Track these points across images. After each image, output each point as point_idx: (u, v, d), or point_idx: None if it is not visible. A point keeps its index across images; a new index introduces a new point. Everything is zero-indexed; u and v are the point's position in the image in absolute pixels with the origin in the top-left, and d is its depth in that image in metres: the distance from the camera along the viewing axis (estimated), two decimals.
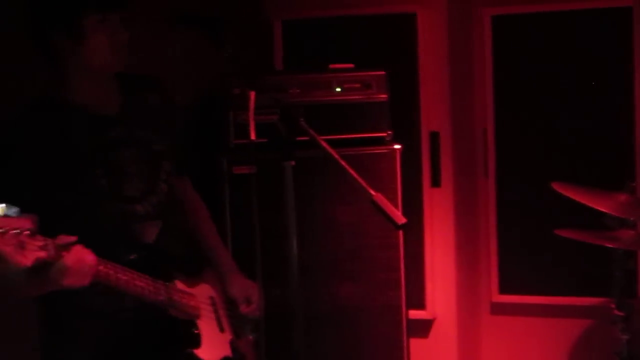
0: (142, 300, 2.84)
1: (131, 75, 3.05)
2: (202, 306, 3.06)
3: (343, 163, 2.66)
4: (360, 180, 2.65)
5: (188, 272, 3.08)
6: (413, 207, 4.81)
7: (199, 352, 2.97)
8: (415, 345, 4.72)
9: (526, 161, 5.09)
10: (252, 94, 2.69)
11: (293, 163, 2.69)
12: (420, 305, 4.95)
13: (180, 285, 2.99)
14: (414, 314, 4.75)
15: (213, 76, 4.48)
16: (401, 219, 2.65)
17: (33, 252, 2.39)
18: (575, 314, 5.07)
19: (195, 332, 2.99)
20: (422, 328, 5.02)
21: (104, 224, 2.90)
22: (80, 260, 2.57)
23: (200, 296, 3.08)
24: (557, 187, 4.12)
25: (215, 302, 3.16)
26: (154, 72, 3.12)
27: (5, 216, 2.34)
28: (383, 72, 4.49)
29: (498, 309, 5.24)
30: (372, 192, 2.64)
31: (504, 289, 5.18)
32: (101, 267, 2.65)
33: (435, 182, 4.96)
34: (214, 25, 2.77)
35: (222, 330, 3.13)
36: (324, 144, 2.69)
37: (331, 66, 4.53)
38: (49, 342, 2.99)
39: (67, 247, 2.54)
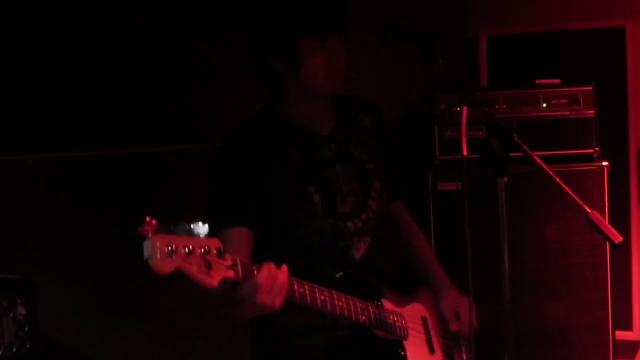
0: (344, 321, 2.77)
1: (344, 96, 3.08)
2: (410, 326, 2.99)
3: (558, 180, 2.62)
4: (575, 197, 2.61)
5: (398, 291, 3.02)
6: (620, 225, 4.67)
7: None
8: None
9: None
10: (465, 109, 2.65)
11: (506, 179, 2.67)
12: (627, 326, 4.85)
13: (387, 304, 2.92)
14: (621, 334, 4.64)
15: (418, 91, 4.50)
16: (618, 237, 2.58)
17: (220, 272, 2.33)
18: None
19: (402, 353, 2.91)
20: (629, 349, 4.91)
21: (314, 240, 2.89)
22: (272, 278, 2.49)
23: (410, 316, 3.01)
24: None
25: (427, 323, 3.08)
26: (366, 88, 3.13)
27: (195, 235, 2.28)
28: (591, 87, 4.42)
29: None
30: (588, 210, 2.59)
31: None
32: (295, 286, 2.57)
33: None
34: (425, 41, 2.77)
35: (432, 351, 3.05)
36: (539, 160, 2.65)
37: (537, 81, 4.49)
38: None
39: (257, 265, 2.48)
